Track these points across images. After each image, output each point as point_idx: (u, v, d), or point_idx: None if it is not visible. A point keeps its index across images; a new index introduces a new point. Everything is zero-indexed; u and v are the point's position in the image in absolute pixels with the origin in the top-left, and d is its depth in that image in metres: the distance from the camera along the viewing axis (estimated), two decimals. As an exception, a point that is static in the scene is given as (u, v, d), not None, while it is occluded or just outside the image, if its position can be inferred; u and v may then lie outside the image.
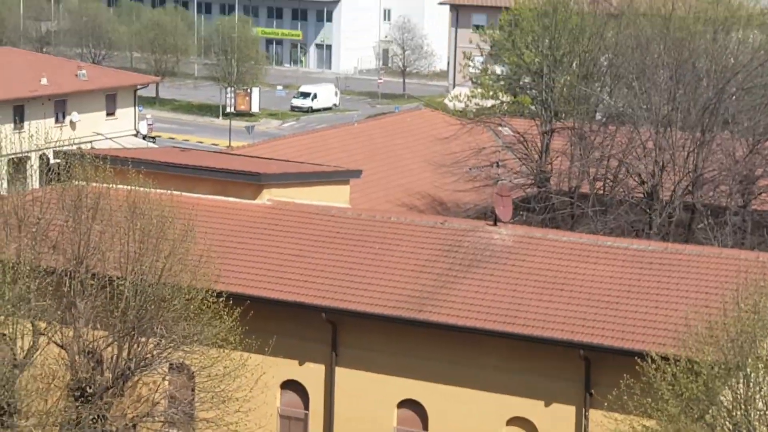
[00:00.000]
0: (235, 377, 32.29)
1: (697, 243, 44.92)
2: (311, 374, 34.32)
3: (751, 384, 25.16)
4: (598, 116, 55.41)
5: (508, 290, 33.51)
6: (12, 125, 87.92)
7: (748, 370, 25.26)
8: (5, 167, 74.66)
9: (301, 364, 34.30)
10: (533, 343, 31.53)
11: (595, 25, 58.01)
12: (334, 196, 42.31)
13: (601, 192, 52.41)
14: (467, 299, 33.15)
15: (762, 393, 25.03)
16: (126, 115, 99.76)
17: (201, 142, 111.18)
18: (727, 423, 25.20)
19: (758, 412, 24.93)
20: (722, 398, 25.46)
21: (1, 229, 29.89)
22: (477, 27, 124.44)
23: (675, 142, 51.23)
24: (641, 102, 52.92)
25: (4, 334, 28.76)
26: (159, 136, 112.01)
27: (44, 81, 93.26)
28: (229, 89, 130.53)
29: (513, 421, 32.24)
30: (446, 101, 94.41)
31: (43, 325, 29.39)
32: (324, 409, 34.25)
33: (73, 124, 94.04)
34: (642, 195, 51.29)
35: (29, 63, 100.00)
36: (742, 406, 25.08)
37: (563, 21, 57.00)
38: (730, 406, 25.29)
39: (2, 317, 28.44)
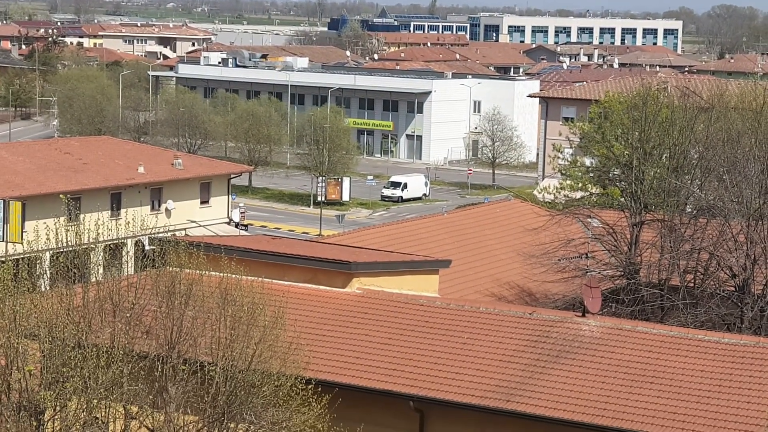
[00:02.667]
0: (323, 465, 32.19)
1: (789, 337, 44.18)
2: (399, 463, 34.06)
3: None
4: (689, 209, 55.04)
5: (596, 382, 33.13)
6: (109, 212, 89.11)
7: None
8: (102, 254, 75.50)
9: (389, 452, 34.02)
10: (626, 436, 31.10)
11: (685, 118, 57.82)
12: (423, 286, 42.21)
13: (692, 285, 51.92)
14: (555, 390, 32.78)
15: None
16: (219, 203, 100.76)
17: (292, 231, 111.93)
18: None
19: None
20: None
21: (96, 314, 30.04)
22: (566, 119, 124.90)
23: (767, 235, 50.83)
24: (732, 195, 52.56)
25: (97, 418, 28.78)
26: (251, 224, 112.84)
27: (141, 169, 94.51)
28: (320, 178, 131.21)
29: None
30: (535, 192, 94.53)
31: (135, 409, 29.45)
32: (412, 499, 33.95)
33: (168, 212, 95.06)
34: (733, 288, 50.80)
35: (127, 152, 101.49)
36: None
37: (653, 114, 56.94)
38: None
39: (95, 401, 28.50)
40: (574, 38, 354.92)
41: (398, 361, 34.83)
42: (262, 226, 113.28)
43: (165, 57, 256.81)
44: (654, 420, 31.16)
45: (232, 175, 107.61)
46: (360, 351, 35.51)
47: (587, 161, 61.99)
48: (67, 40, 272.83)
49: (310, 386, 30.77)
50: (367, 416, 33.60)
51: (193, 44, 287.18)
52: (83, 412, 28.48)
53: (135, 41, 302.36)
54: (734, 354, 34.37)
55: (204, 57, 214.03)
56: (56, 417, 28.26)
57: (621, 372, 33.61)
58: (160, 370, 29.92)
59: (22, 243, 77.36)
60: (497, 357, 34.79)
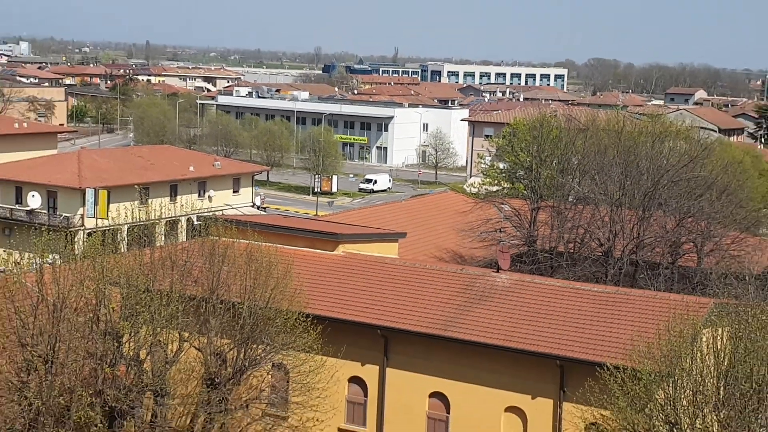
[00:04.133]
0: (317, 373, 32.21)
1: (639, 288, 44.47)
2: (369, 372, 34.21)
3: (677, 387, 24.85)
4: (570, 199, 55.22)
5: (506, 317, 33.41)
6: (168, 198, 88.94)
7: (675, 377, 24.96)
8: (163, 226, 74.93)
9: (362, 365, 34.20)
10: (524, 354, 31.31)
11: (569, 136, 58.05)
12: (387, 250, 42.39)
13: (572, 251, 52.17)
14: (478, 323, 33.06)
15: (685, 394, 24.71)
16: (246, 192, 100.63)
17: (297, 212, 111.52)
18: (660, 415, 24.85)
19: (683, 408, 24.58)
20: (657, 396, 25.12)
21: (159, 268, 30.10)
22: (487, 136, 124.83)
23: (624, 217, 51.10)
24: (600, 189, 52.81)
25: (159, 341, 28.89)
26: (268, 207, 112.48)
27: (191, 168, 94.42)
28: (316, 176, 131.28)
29: (509, 409, 31.97)
30: (465, 187, 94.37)
31: (186, 334, 29.54)
32: (378, 398, 34.09)
33: (210, 198, 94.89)
34: (600, 253, 51.06)
35: (181, 156, 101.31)
36: (671, 403, 24.74)
37: (546, 133, 57.03)
38: (663, 403, 24.95)
39: (159, 329, 28.59)
40: (493, 80, 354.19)
41: (370, 301, 35.09)
42: (276, 209, 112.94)
43: (208, 90, 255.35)
44: (546, 343, 31.38)
45: (255, 173, 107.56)
46: (343, 295, 35.69)
47: (501, 165, 61.98)
48: (140, 77, 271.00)
49: (308, 319, 30.91)
50: (348, 340, 33.76)
51: (228, 81, 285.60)
52: (150, 336, 28.57)
53: (187, 79, 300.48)
54: (600, 298, 34.63)
55: (235, 90, 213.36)
56: (131, 340, 28.33)
57: (524, 310, 33.85)
58: (204, 307, 30.06)
59: (107, 219, 77.13)
60: (438, 299, 34.97)
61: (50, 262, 28.53)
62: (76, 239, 75.45)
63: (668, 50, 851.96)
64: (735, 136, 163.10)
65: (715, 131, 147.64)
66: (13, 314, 26.85)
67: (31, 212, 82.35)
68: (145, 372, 28.58)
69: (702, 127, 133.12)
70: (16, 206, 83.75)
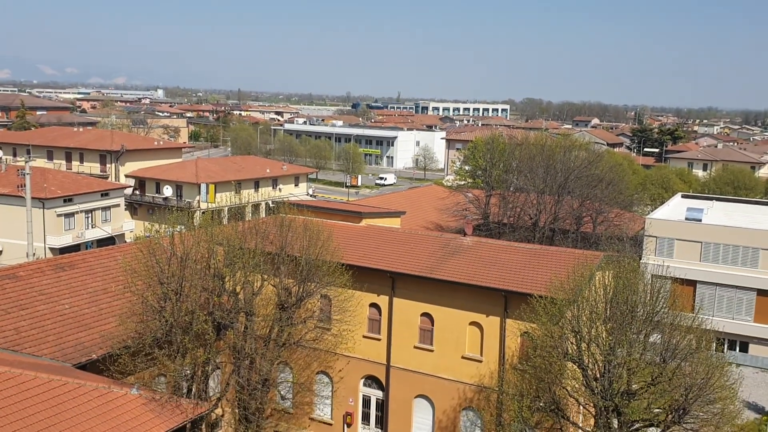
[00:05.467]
0: (349, 301, 32.37)
1: (555, 246, 44.52)
2: (382, 300, 34.24)
3: (580, 309, 24.93)
4: (511, 189, 55.25)
5: (472, 264, 33.37)
6: (253, 189, 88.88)
7: (578, 302, 25.03)
8: (250, 208, 74.05)
9: (378, 295, 34.24)
10: (481, 288, 31.28)
11: (510, 148, 57.98)
12: (393, 223, 42.41)
13: (512, 222, 52.20)
14: (452, 268, 33.03)
15: (585, 313, 24.76)
16: (303, 186, 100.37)
17: (336, 198, 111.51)
18: (568, 326, 24.93)
19: (583, 321, 24.67)
20: (566, 315, 25.19)
21: (248, 234, 30.18)
22: (458, 149, 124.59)
23: (545, 200, 51.08)
24: (530, 182, 52.76)
25: (249, 280, 28.96)
26: (317, 195, 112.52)
27: (268, 170, 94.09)
28: (348, 175, 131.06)
29: (472, 323, 32.05)
30: (443, 182, 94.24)
31: (265, 276, 29.60)
32: (388, 316, 34.16)
33: (279, 189, 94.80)
34: (530, 224, 51.08)
35: (261, 163, 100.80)
36: (576, 319, 24.82)
37: (496, 146, 57.02)
38: (570, 318, 25.03)
39: (248, 273, 28.65)
40: (461, 112, 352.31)
41: (382, 255, 35.02)
42: (323, 196, 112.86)
43: (278, 120, 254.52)
44: (495, 281, 31.25)
45: (308, 173, 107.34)
46: (365, 251, 35.65)
47: (466, 167, 62.00)
48: (234, 112, 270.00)
49: (343, 266, 31.00)
50: (369, 279, 33.84)
51: (290, 114, 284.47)
52: (242, 277, 28.64)
53: (265, 113, 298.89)
54: (530, 253, 34.54)
55: (295, 120, 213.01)
56: (230, 280, 28.34)
57: (481, 260, 33.78)
58: (276, 259, 30.14)
59: (214, 203, 77.28)
60: (427, 253, 34.97)
61: (178, 230, 28.73)
62: (194, 216, 75.76)
63: (575, 91, 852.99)
64: (617, 148, 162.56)
65: (605, 144, 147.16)
66: (155, 263, 27.04)
67: (166, 199, 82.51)
68: (240, 300, 28.65)
69: (596, 142, 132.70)
70: (156, 195, 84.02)
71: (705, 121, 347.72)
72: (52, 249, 66.49)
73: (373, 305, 34.38)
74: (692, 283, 48.24)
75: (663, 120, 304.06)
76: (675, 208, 57.25)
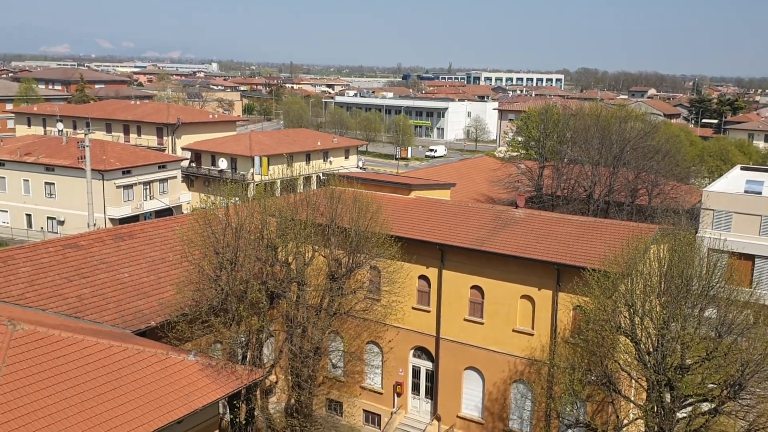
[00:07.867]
0: (398, 272, 32.51)
1: (610, 219, 43.78)
2: (432, 272, 34.19)
3: (633, 282, 24.55)
4: (565, 160, 54.37)
5: (524, 237, 33.10)
6: (305, 162, 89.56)
7: (632, 275, 24.65)
8: (302, 180, 74.63)
9: (427, 267, 34.20)
10: (533, 261, 30.97)
11: (564, 119, 56.93)
12: (443, 195, 42.28)
13: (566, 194, 51.47)
14: (503, 241, 32.80)
15: (639, 286, 24.39)
16: (353, 158, 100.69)
17: (386, 171, 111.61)
18: (622, 300, 24.61)
19: (637, 295, 24.31)
20: (620, 288, 24.86)
21: (299, 205, 30.46)
22: (510, 119, 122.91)
23: (600, 172, 50.17)
24: (585, 154, 51.83)
25: (301, 251, 29.17)
26: (367, 168, 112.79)
27: (319, 143, 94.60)
28: (398, 147, 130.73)
29: (524, 296, 31.86)
30: (495, 153, 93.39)
31: (316, 247, 29.89)
32: (437, 288, 34.16)
33: (330, 162, 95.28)
34: (584, 196, 50.29)
35: (313, 135, 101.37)
36: (629, 292, 24.48)
37: (550, 117, 56.09)
38: (623, 292, 24.69)
39: (300, 244, 28.96)
40: (515, 82, 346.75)
41: (432, 227, 34.95)
42: (372, 169, 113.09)
43: (329, 93, 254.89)
44: (548, 253, 30.93)
45: (358, 146, 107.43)
46: (415, 223, 35.62)
47: (519, 138, 61.17)
48: (286, 85, 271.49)
49: (392, 238, 31.09)
50: (419, 251, 33.91)
51: (341, 87, 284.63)
52: (294, 248, 29.00)
53: (316, 86, 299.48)
54: (584, 225, 34.06)
55: (346, 93, 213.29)
56: (283, 250, 28.73)
57: (533, 233, 33.50)
58: (327, 230, 30.37)
59: (267, 175, 78.20)
60: (478, 225, 34.79)
61: (233, 202, 29.18)
62: (248, 188, 76.83)
63: (631, 61, 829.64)
64: (674, 119, 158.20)
65: (661, 115, 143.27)
66: (211, 234, 27.55)
67: (221, 171, 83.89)
68: (292, 270, 28.98)
69: (652, 113, 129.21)
70: (212, 167, 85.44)
71: (767, 90, 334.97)
72: (111, 219, 68.48)
73: (423, 277, 34.34)
74: (751, 258, 46.93)
75: (722, 90, 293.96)
76: (733, 180, 55.59)
